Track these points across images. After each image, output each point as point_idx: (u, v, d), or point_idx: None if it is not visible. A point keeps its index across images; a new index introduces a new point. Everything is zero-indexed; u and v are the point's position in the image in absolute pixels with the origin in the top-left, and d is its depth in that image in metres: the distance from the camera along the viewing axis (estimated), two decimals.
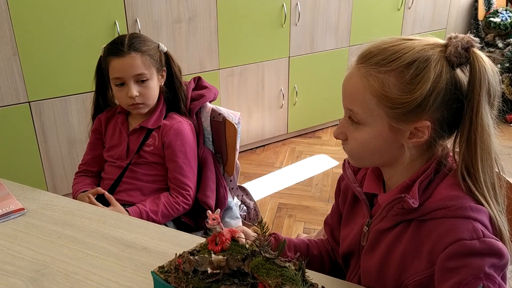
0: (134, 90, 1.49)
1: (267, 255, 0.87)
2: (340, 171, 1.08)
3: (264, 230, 0.90)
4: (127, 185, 1.59)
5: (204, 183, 1.62)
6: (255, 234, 1.13)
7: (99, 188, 1.52)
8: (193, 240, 1.16)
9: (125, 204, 1.54)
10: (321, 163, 3.24)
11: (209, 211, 0.97)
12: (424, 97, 0.80)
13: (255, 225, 0.90)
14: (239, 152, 1.73)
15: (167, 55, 1.61)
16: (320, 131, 3.74)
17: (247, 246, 0.92)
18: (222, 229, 0.96)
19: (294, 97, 3.45)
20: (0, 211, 1.23)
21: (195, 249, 0.97)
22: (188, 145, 1.59)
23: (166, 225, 1.58)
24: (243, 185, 1.89)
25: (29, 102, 2.45)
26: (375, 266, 0.94)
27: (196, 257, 0.91)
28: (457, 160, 0.86)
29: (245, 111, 3.27)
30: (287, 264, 0.84)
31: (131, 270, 1.03)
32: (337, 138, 0.93)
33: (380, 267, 0.93)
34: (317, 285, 0.84)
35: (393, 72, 0.82)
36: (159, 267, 0.93)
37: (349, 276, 1.07)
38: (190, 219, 1.64)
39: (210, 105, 1.71)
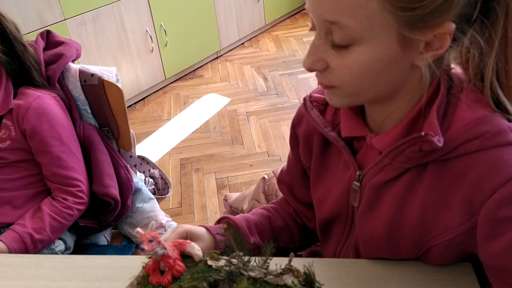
0: None
1: (253, 274, 0.57)
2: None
3: (234, 234, 0.59)
4: None
5: (98, 170, 1.22)
6: (203, 230, 0.82)
7: None
8: (115, 265, 0.80)
9: None
10: (212, 104, 2.93)
11: (139, 229, 0.63)
12: None
13: (222, 230, 0.59)
14: None
15: None
16: (200, 69, 3.38)
17: (212, 263, 0.61)
18: (165, 248, 0.63)
19: (163, 37, 3.00)
20: None
21: None
22: (61, 125, 1.16)
23: (63, 239, 1.18)
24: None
25: None
26: (382, 230, 0.70)
27: None
28: (470, 68, 0.62)
29: (111, 64, 2.76)
30: (287, 280, 0.55)
31: None
32: (310, 70, 0.62)
33: (391, 229, 0.69)
34: None
35: None
36: None
37: (335, 247, 0.82)
38: (91, 220, 1.25)
39: (74, 66, 1.26)
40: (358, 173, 0.72)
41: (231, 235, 0.59)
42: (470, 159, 0.60)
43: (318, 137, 0.79)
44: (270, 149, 2.46)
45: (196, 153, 2.51)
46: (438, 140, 0.59)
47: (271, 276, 0.56)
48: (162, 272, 0.64)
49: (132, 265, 0.78)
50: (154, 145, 2.62)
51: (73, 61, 1.28)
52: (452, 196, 0.62)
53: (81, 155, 1.21)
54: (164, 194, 1.59)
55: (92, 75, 1.24)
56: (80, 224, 1.21)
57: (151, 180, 1.53)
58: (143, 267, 0.66)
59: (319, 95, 0.77)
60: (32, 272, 0.79)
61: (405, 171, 0.67)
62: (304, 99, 0.78)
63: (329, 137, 0.74)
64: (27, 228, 1.07)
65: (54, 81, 1.21)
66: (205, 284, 0.59)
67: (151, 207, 1.36)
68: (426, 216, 0.65)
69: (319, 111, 0.76)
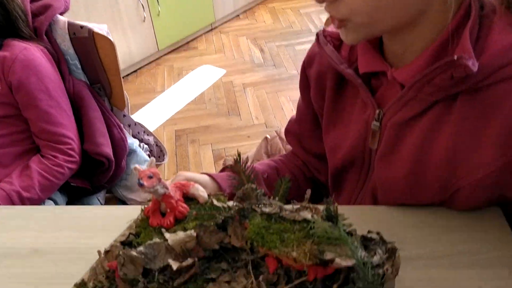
0: None
1: (267, 210, 0.51)
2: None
3: (245, 169, 0.53)
4: None
5: (90, 127, 1.15)
6: (206, 177, 0.76)
7: None
8: (111, 214, 0.74)
9: None
10: (207, 75, 2.84)
11: (137, 165, 0.57)
12: None
13: (229, 165, 0.53)
14: None
15: None
16: (194, 41, 3.28)
17: (219, 205, 0.55)
18: (166, 188, 0.57)
19: (156, 6, 2.89)
20: None
21: (130, 234, 0.57)
22: (49, 79, 1.08)
23: (53, 200, 1.11)
24: None
25: None
26: (404, 173, 0.64)
27: (141, 248, 0.51)
28: None
29: None
30: (307, 215, 0.49)
31: None
32: (321, 1, 0.56)
33: (414, 172, 0.63)
34: (376, 234, 0.51)
35: None
36: (77, 285, 0.52)
37: (349, 196, 0.76)
38: (84, 180, 1.18)
39: (63, 18, 1.17)
40: (377, 111, 0.66)
41: (241, 168, 0.52)
42: (506, 86, 0.54)
43: (332, 76, 0.72)
44: (268, 121, 2.39)
45: (191, 125, 2.43)
46: (473, 64, 0.53)
47: (287, 212, 0.50)
48: (163, 215, 0.58)
49: (130, 214, 0.71)
50: (148, 117, 2.54)
51: (61, 14, 1.19)
52: (485, 129, 0.56)
53: (71, 112, 1.13)
54: (160, 162, 1.52)
55: (82, 27, 1.15)
56: (71, 184, 1.14)
57: (146, 146, 1.46)
58: (142, 210, 0.60)
59: (333, 30, 0.70)
60: (18, 223, 0.72)
61: (431, 106, 0.60)
62: (317, 34, 0.70)
63: (345, 74, 0.68)
64: (15, 186, 1.00)
65: (42, 33, 1.13)
66: (212, 224, 0.52)
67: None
68: (455, 153, 0.59)
69: (334, 47, 0.69)
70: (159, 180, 0.55)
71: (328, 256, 0.44)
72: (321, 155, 0.83)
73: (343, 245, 0.45)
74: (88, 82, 1.20)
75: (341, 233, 0.45)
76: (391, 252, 0.50)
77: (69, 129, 1.10)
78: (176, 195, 0.58)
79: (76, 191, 1.18)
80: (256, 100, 2.56)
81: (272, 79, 2.73)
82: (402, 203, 0.67)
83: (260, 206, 0.51)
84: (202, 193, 0.60)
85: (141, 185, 0.53)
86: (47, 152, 1.08)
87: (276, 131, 1.25)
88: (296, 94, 2.60)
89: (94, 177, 1.20)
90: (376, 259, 0.48)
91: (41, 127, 1.07)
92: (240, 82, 2.72)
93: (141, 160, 1.29)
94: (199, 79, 2.83)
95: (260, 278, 0.48)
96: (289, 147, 1.09)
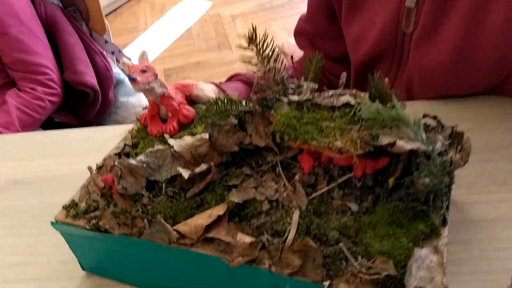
0: None
1: (296, 98, 0.40)
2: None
3: (264, 47, 0.41)
4: None
5: (68, 55, 1.02)
6: (211, 86, 0.65)
7: None
8: (101, 136, 0.64)
9: None
10: (192, 9, 2.65)
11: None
12: None
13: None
14: None
15: None
16: None
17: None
18: (165, 87, 0.46)
19: None
20: None
21: (125, 145, 0.46)
22: (17, 2, 0.94)
23: None
24: None
25: None
26: (448, 57, 0.53)
27: (141, 157, 0.41)
28: None
29: None
30: (348, 98, 0.39)
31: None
32: None
33: (459, 55, 0.52)
34: (432, 119, 0.41)
35: None
36: (65, 207, 0.42)
37: None
38: (69, 114, 1.06)
39: None
40: None
41: (259, 46, 0.41)
42: None
43: None
44: None
45: (180, 62, 2.28)
46: None
47: (322, 98, 0.39)
48: (164, 122, 0.47)
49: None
50: (132, 57, 2.38)
51: None
52: None
53: (45, 39, 0.99)
54: None
55: None
56: (56, 120, 1.03)
57: None
58: (138, 119, 0.49)
59: None
60: None
61: None
62: None
63: None
64: None
65: None
66: (227, 122, 0.42)
67: (138, 101, 1.17)
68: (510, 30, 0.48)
69: None
70: (155, 76, 0.44)
71: (384, 140, 0.34)
72: (338, 57, 0.71)
73: (401, 127, 0.35)
74: (61, 5, 1.06)
75: (399, 112, 0.35)
76: (455, 137, 0.40)
77: (45, 58, 0.97)
78: (178, 97, 0.47)
79: (61, 128, 1.06)
80: (248, 31, 2.39)
81: (263, 8, 2.55)
82: (443, 94, 0.57)
83: (286, 93, 0.40)
84: (208, 93, 0.49)
85: (133, 80, 0.42)
86: (24, 85, 0.95)
87: (278, 45, 1.12)
88: (290, 22, 2.44)
89: (80, 112, 1.08)
90: (438, 145, 0.39)
91: (14, 57, 0.94)
92: (228, 14, 2.54)
93: (130, 91, 1.16)
94: (184, 14, 2.64)
95: (296, 177, 0.38)
96: (296, 59, 0.97)
